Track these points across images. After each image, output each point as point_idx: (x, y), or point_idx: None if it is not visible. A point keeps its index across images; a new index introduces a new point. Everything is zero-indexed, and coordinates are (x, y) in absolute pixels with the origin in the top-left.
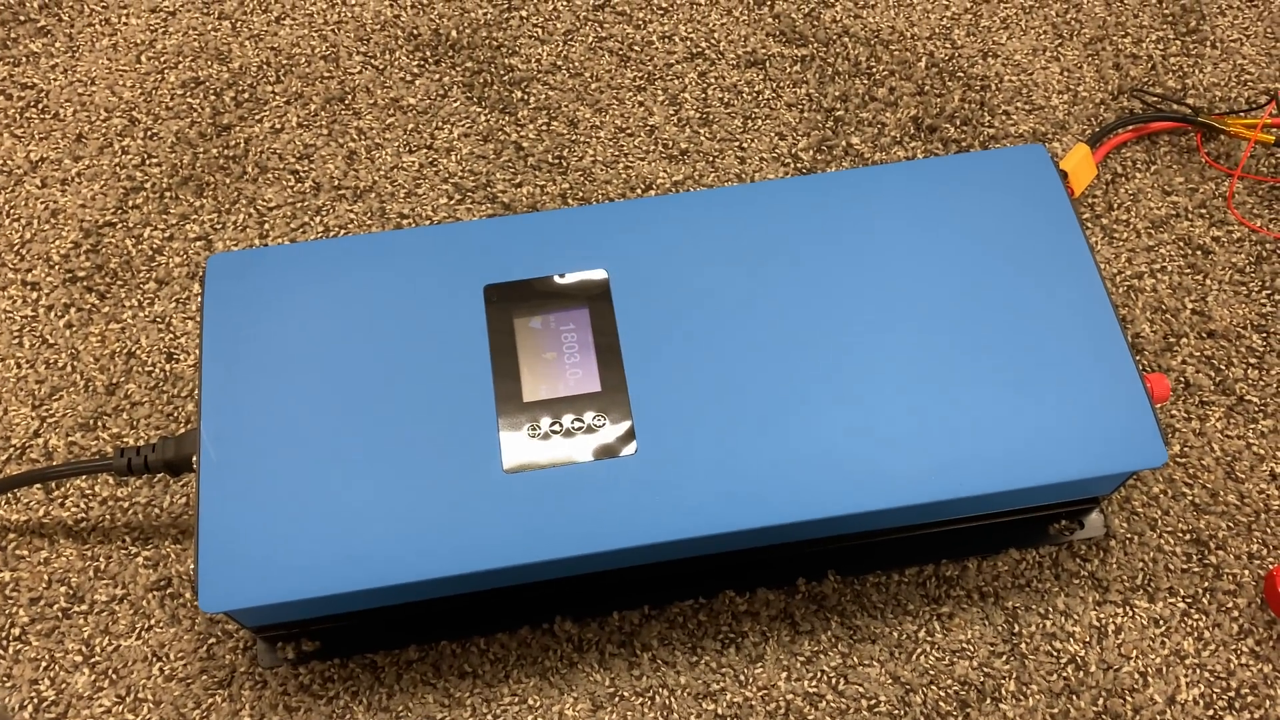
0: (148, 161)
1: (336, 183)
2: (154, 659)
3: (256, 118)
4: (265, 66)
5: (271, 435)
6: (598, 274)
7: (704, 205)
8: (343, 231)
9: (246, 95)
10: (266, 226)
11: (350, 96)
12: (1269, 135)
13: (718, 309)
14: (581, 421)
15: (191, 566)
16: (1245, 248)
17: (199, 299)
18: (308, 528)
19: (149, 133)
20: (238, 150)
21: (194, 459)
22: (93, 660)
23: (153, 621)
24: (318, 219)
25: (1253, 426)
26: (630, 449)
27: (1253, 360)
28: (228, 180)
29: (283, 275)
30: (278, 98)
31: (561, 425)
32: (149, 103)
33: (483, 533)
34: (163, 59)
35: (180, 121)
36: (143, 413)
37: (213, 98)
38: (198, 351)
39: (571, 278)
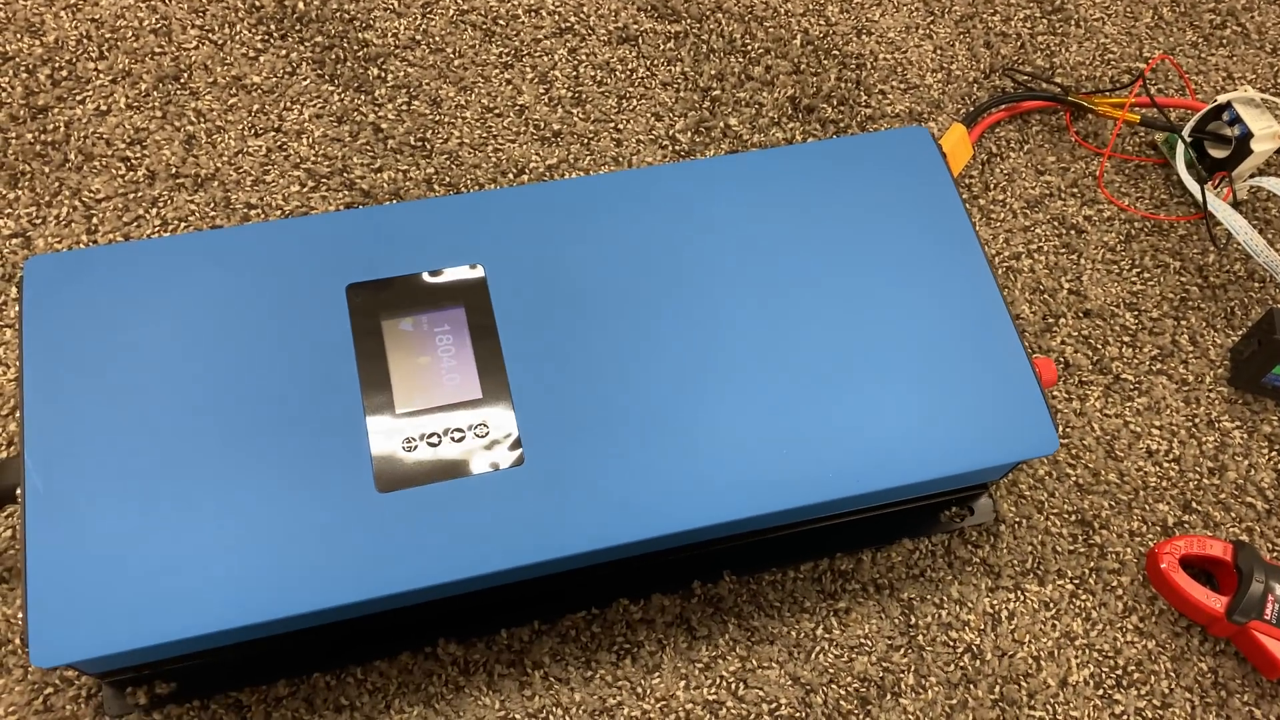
0: None
1: (174, 170)
2: None
3: (78, 98)
4: (86, 40)
5: (107, 461)
6: (473, 270)
7: (584, 193)
8: (183, 224)
9: (65, 73)
10: (95, 221)
11: (186, 75)
12: (1135, 115)
13: (602, 305)
14: (462, 431)
15: (19, 612)
16: (1115, 226)
17: (17, 306)
18: (153, 565)
19: None
20: (57, 135)
21: (17, 490)
22: None
23: None
24: (154, 211)
25: (1129, 404)
26: (515, 459)
27: (1126, 339)
28: (47, 169)
29: (114, 279)
30: (102, 76)
31: (440, 437)
32: None
33: (356, 561)
34: None
35: None
36: None
37: (24, 75)
38: (18, 366)
39: (444, 274)
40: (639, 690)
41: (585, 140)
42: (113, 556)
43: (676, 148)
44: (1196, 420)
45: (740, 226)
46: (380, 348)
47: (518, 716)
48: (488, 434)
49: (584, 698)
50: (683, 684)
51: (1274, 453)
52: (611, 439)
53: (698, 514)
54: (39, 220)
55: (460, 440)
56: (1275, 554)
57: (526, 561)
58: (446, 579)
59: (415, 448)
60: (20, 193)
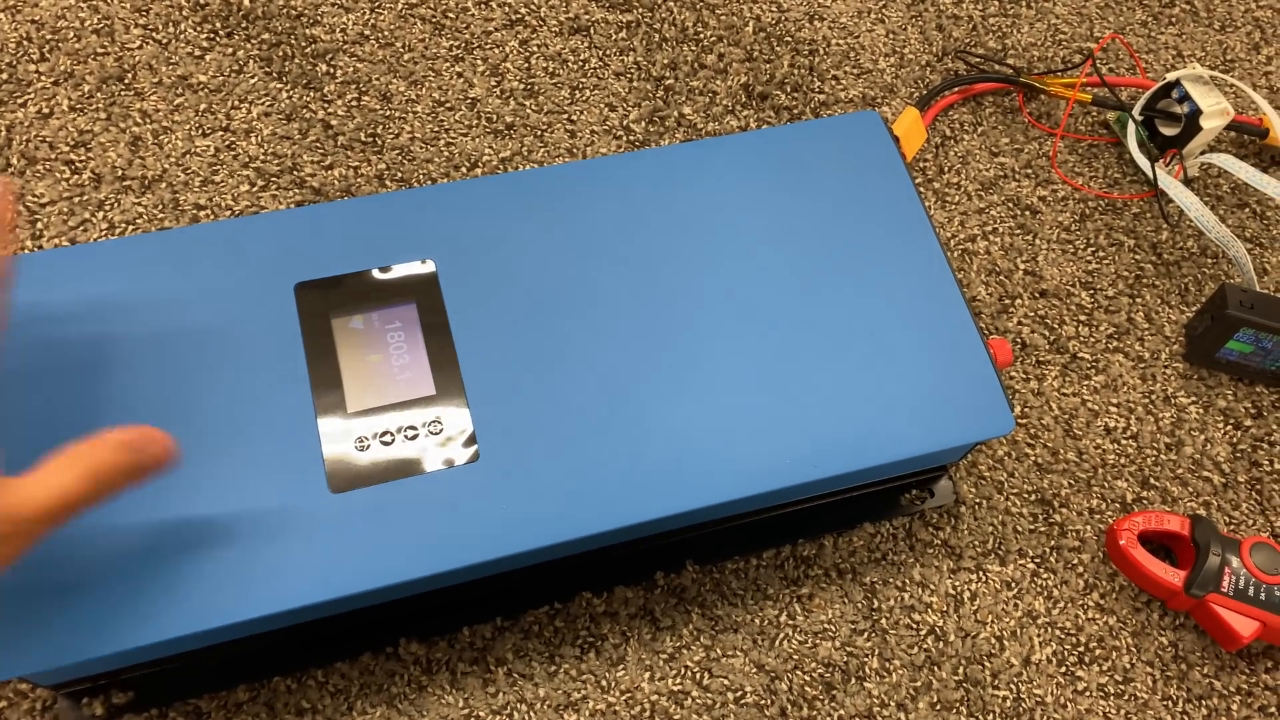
0: None
1: (120, 173)
2: None
3: (19, 101)
4: (26, 42)
5: None
6: (424, 265)
7: (535, 184)
8: (130, 227)
9: (5, 76)
10: (40, 226)
11: (130, 75)
12: (1086, 95)
13: (556, 298)
14: (415, 429)
15: None
16: (1070, 206)
17: None
18: (103, 572)
19: None
20: None
21: None
22: None
23: None
24: (100, 214)
25: (1086, 383)
26: (471, 455)
27: (1082, 318)
28: None
29: (59, 283)
30: (44, 78)
31: (393, 435)
32: None
33: (310, 563)
34: None
35: None
36: None
37: None
38: None
39: (395, 270)
40: (604, 683)
41: (539, 132)
42: (62, 564)
43: (631, 138)
44: (1153, 397)
45: (694, 215)
46: (331, 346)
47: (482, 714)
48: (442, 430)
49: (548, 693)
50: (647, 675)
51: (1229, 427)
52: (567, 432)
53: (656, 504)
54: None
55: (414, 438)
56: (1231, 527)
57: (485, 558)
58: (404, 578)
59: (368, 447)
60: None
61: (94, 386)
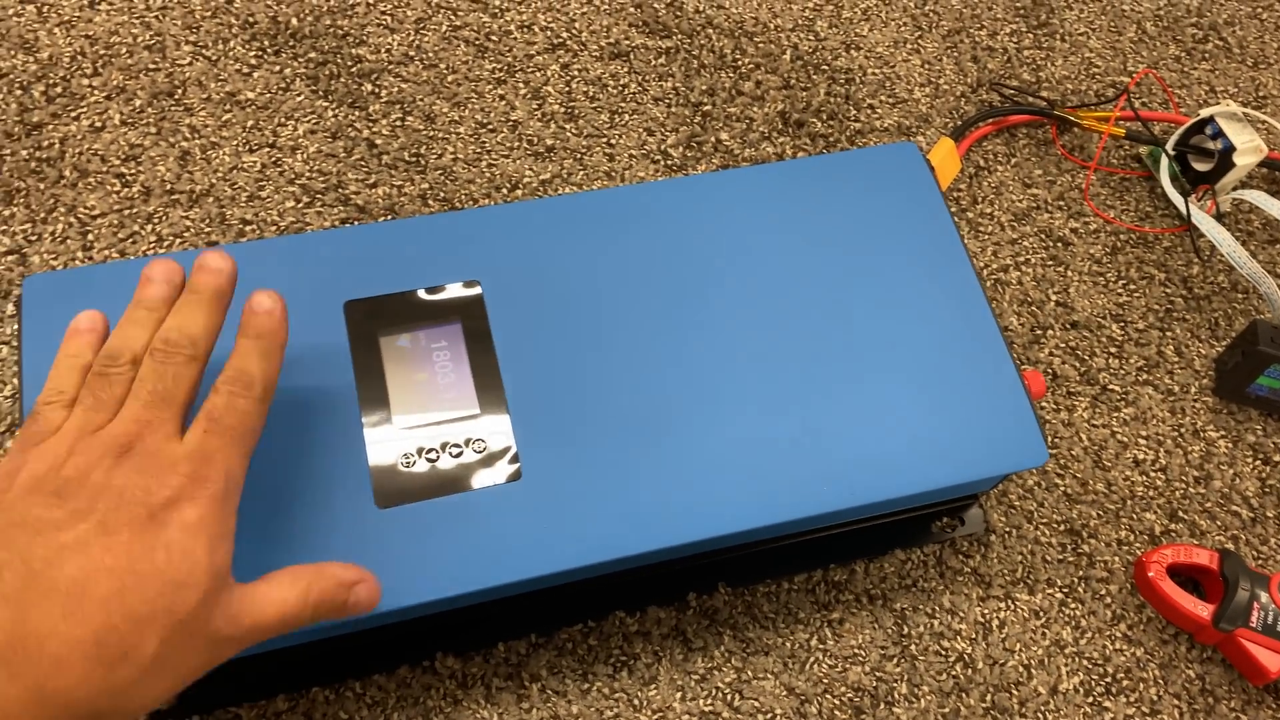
0: None
1: (169, 186)
2: None
3: (72, 114)
4: (80, 57)
5: None
6: (470, 286)
7: (579, 209)
8: (178, 240)
9: (59, 90)
10: (90, 237)
11: (180, 91)
12: (1120, 129)
13: (597, 320)
14: (460, 447)
15: None
16: (1101, 238)
17: (14, 321)
18: None
19: None
20: (52, 152)
21: None
22: None
23: None
24: (149, 227)
25: (1116, 415)
26: (513, 473)
27: (1113, 350)
28: (42, 186)
29: (111, 296)
30: (96, 92)
31: (438, 452)
32: None
33: None
34: None
35: None
36: None
37: (19, 92)
38: (16, 383)
39: (441, 291)
40: (635, 702)
41: (578, 155)
42: None
43: (668, 162)
44: (1182, 430)
45: (733, 241)
46: (378, 363)
47: None
48: (485, 449)
49: (581, 710)
50: (679, 695)
51: (1258, 462)
52: (607, 453)
53: (694, 528)
54: (34, 237)
55: (458, 455)
56: (1260, 562)
57: (525, 576)
58: (446, 594)
59: (414, 463)
60: (15, 209)
61: None
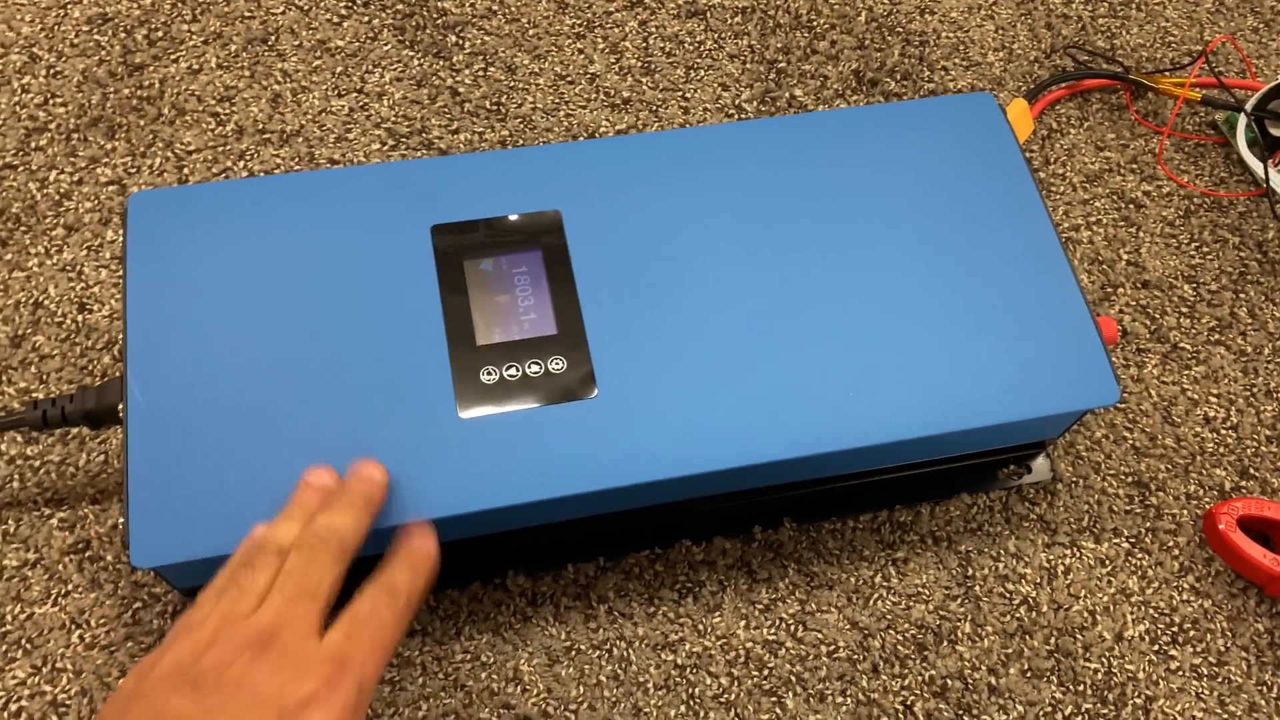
0: (51, 101)
1: (261, 126)
2: (73, 626)
3: (172, 58)
4: (180, 4)
5: (203, 382)
6: (550, 214)
7: (656, 147)
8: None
9: (160, 34)
10: (186, 171)
11: (274, 37)
12: (1196, 93)
13: (674, 251)
14: (539, 364)
15: (115, 524)
16: (1174, 202)
17: (114, 245)
18: (246, 478)
19: (52, 70)
20: (152, 91)
21: (119, 408)
22: (4, 630)
23: (70, 587)
24: (241, 164)
25: (1186, 372)
26: (590, 392)
27: (1184, 309)
28: (142, 122)
29: (213, 214)
30: (194, 37)
31: (518, 369)
32: (51, 39)
33: (438, 480)
34: None
35: (87, 60)
36: (52, 366)
37: (123, 35)
38: (117, 297)
39: (523, 218)
40: (700, 628)
41: (654, 108)
42: (208, 469)
43: (743, 116)
44: (1255, 390)
45: (811, 180)
46: (462, 285)
47: (583, 647)
48: (564, 367)
49: (646, 632)
50: (743, 624)
51: None
52: (680, 376)
53: (762, 449)
54: (134, 169)
55: (537, 374)
56: None
57: (597, 488)
58: (520, 500)
59: (495, 378)
60: (117, 144)
61: (244, 311)
